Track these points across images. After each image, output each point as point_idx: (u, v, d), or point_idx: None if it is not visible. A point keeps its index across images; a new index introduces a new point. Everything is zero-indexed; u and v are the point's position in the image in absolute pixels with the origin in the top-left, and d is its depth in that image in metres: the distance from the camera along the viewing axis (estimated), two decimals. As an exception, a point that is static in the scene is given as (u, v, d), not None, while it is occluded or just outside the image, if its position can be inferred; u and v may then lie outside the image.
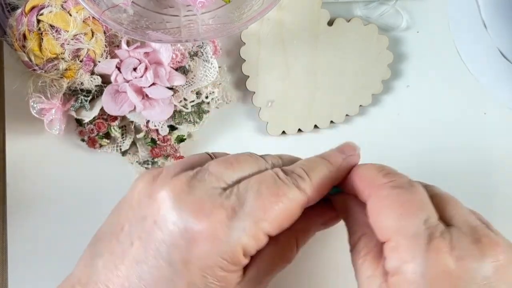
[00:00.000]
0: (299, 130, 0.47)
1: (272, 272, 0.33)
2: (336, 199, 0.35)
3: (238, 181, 0.32)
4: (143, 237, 0.31)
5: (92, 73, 0.42)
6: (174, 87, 0.43)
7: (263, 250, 0.32)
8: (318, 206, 0.34)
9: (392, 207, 0.29)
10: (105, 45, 0.41)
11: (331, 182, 0.33)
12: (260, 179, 0.32)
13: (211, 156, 0.35)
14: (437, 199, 0.31)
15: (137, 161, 0.45)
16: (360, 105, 0.47)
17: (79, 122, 0.43)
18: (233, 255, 0.30)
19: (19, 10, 0.41)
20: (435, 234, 0.28)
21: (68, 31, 0.40)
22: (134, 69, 0.42)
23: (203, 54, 0.43)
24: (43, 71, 0.41)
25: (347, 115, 0.47)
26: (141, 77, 0.42)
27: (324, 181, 0.33)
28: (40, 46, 0.40)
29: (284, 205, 0.31)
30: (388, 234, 0.29)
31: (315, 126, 0.47)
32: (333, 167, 0.33)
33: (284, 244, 0.34)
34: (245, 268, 0.32)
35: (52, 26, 0.40)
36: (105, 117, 0.43)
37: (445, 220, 0.30)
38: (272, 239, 0.32)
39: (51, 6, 0.40)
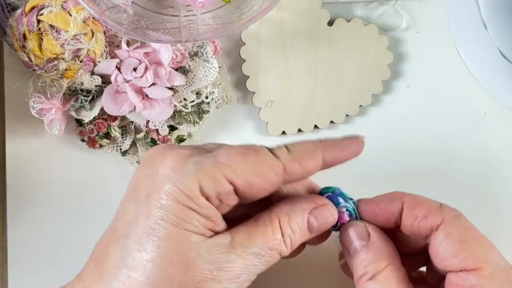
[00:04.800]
0: (299, 130, 0.47)
1: (250, 248, 0.32)
2: (356, 228, 0.35)
3: None
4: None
5: (92, 73, 0.42)
6: (174, 87, 0.43)
7: (240, 223, 0.32)
8: (306, 196, 0.35)
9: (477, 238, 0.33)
10: (105, 45, 0.41)
11: (317, 157, 0.33)
12: (240, 145, 0.33)
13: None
14: None
15: (137, 161, 0.45)
16: (360, 105, 0.47)
17: (79, 122, 0.43)
18: (187, 187, 0.30)
19: (19, 10, 0.41)
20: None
21: (68, 31, 0.40)
22: (134, 69, 0.42)
23: (203, 54, 0.43)
24: (43, 71, 0.41)
25: (347, 115, 0.47)
26: (141, 77, 0.42)
27: (308, 153, 0.33)
28: (40, 46, 0.40)
29: (253, 158, 0.31)
30: (477, 263, 0.31)
31: (315, 126, 0.47)
32: (322, 145, 0.34)
33: (264, 224, 0.32)
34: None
35: (52, 26, 0.40)
36: (105, 117, 0.43)
37: None
38: (251, 217, 0.33)
39: (51, 6, 0.40)
